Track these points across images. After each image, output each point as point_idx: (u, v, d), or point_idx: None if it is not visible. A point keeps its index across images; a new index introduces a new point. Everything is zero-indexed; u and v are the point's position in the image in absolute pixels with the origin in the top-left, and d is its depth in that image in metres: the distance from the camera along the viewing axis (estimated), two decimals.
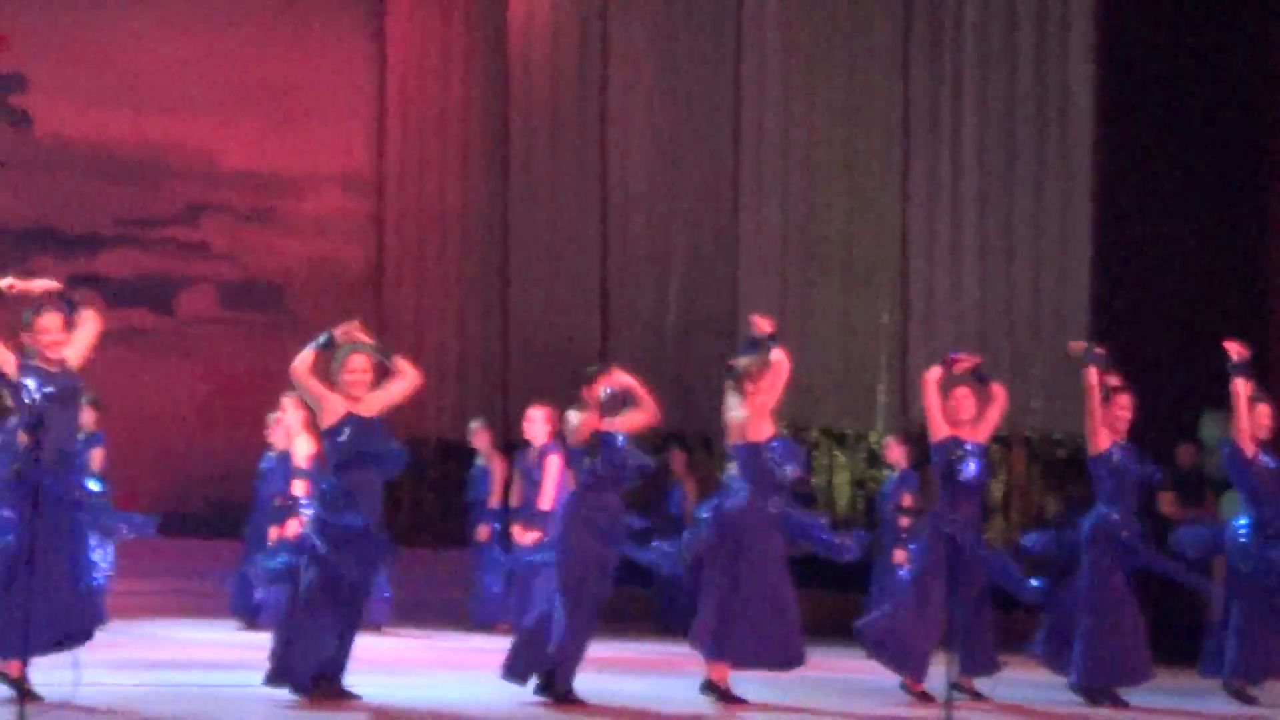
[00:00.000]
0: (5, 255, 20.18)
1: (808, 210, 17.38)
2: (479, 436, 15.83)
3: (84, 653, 9.43)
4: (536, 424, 13.41)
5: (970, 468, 10.70)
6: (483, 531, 15.35)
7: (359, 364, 9.78)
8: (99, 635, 9.82)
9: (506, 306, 20.53)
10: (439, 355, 20.35)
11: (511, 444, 15.89)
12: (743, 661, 10.16)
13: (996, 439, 15.14)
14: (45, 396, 9.43)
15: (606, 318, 19.27)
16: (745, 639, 10.03)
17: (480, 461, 15.83)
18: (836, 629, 12.60)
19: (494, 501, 15.41)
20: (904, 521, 13.65)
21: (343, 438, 9.69)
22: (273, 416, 15.24)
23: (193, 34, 21.24)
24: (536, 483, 13.24)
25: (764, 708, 10.09)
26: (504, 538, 14.83)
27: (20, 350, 9.66)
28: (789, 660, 10.23)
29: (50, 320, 9.73)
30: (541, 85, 20.06)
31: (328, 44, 21.87)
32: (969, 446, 10.73)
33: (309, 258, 21.80)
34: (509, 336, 20.38)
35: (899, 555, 13.07)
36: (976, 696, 10.63)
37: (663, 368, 17.40)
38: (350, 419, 9.66)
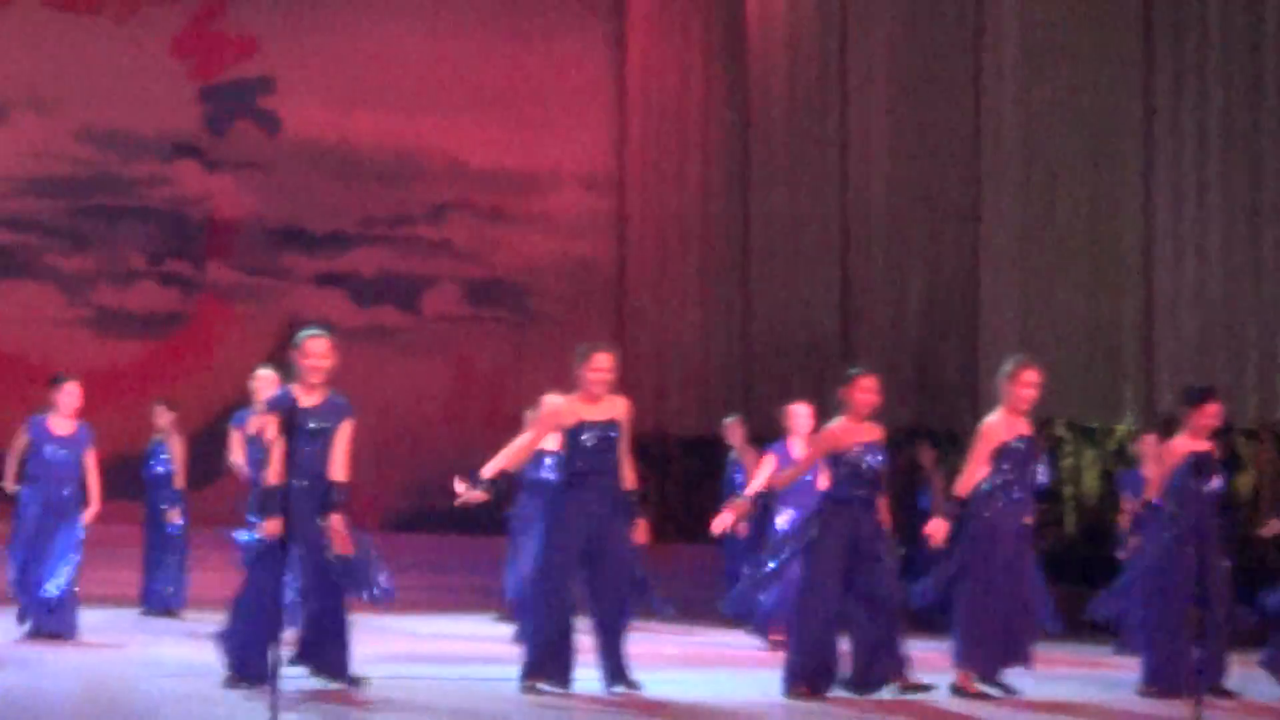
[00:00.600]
0: (256, 254, 21.07)
1: (1049, 206, 17.04)
2: (733, 431, 15.84)
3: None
4: (800, 419, 13.34)
5: (1216, 481, 10.43)
6: (739, 526, 15.35)
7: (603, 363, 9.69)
8: (363, 632, 9.90)
9: (748, 303, 20.43)
10: (681, 351, 20.50)
11: (757, 438, 15.97)
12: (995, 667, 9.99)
13: (1245, 433, 14.87)
14: None
15: (847, 314, 19.09)
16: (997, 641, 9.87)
17: (734, 455, 15.86)
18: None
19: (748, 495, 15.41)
20: (1123, 520, 13.48)
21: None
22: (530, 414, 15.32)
23: (438, 38, 21.53)
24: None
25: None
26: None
27: None
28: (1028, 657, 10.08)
29: None
30: (780, 83, 19.98)
31: (570, 45, 22.03)
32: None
33: (552, 255, 21.96)
34: (750, 333, 20.28)
35: (1128, 548, 12.86)
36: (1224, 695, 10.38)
37: (904, 363, 17.33)
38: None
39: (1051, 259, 17.27)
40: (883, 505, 9.84)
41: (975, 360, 16.60)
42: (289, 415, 8.54)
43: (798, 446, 12.72)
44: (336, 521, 8.99)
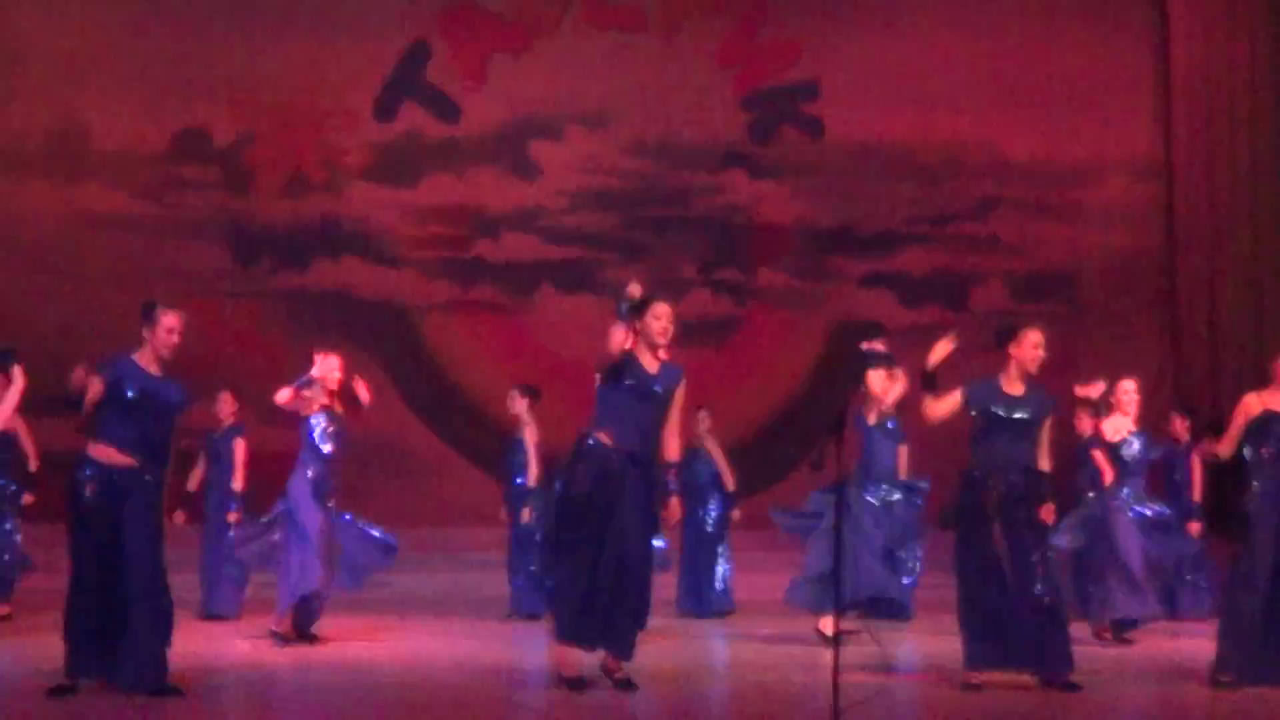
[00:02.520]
0: (803, 258, 21.34)
1: None
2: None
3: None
4: None
5: None
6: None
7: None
8: None
9: None
10: (1237, 339, 20.25)
11: None
12: None
13: None
14: None
15: None
16: None
17: None
18: None
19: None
20: None
21: None
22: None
23: (976, 35, 21.40)
24: None
25: None
26: None
27: None
28: None
29: None
30: None
31: (1109, 32, 21.58)
32: None
33: (1098, 247, 21.55)
34: None
35: None
36: None
37: None
38: None
39: None
40: None
41: None
42: None
43: None
44: None
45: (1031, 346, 10.57)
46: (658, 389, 10.05)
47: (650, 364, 10.10)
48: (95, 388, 9.69)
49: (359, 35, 20.70)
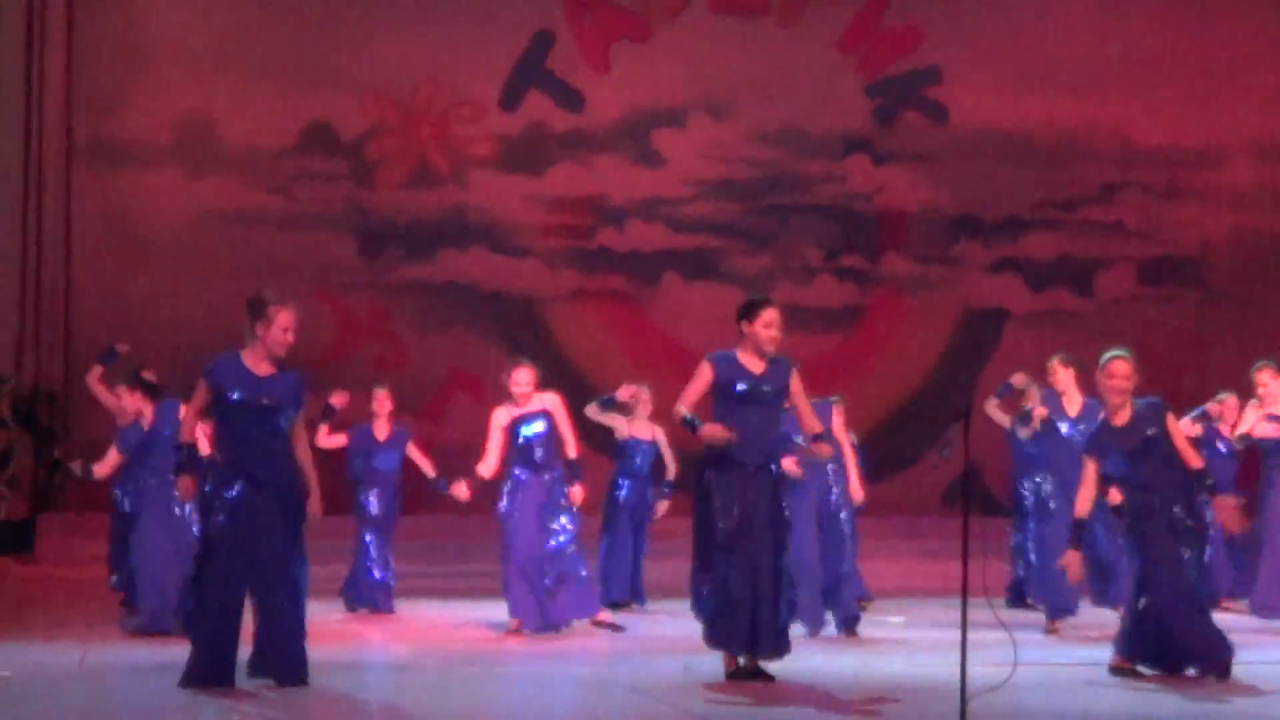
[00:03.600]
0: (929, 245, 21.63)
1: None
2: None
3: None
4: None
5: None
6: None
7: None
8: None
9: None
10: None
11: None
12: None
13: None
14: None
15: None
16: None
17: None
18: None
19: None
20: None
21: None
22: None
23: (1101, 17, 21.64)
24: None
25: None
26: None
27: None
28: None
29: None
30: None
31: (1232, 14, 21.81)
32: None
33: (1227, 230, 21.80)
34: None
35: None
36: None
37: None
38: None
39: None
40: None
41: None
42: None
43: None
44: None
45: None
46: (766, 388, 10.09)
47: (756, 366, 10.12)
48: (200, 396, 9.62)
49: (483, 26, 20.98)
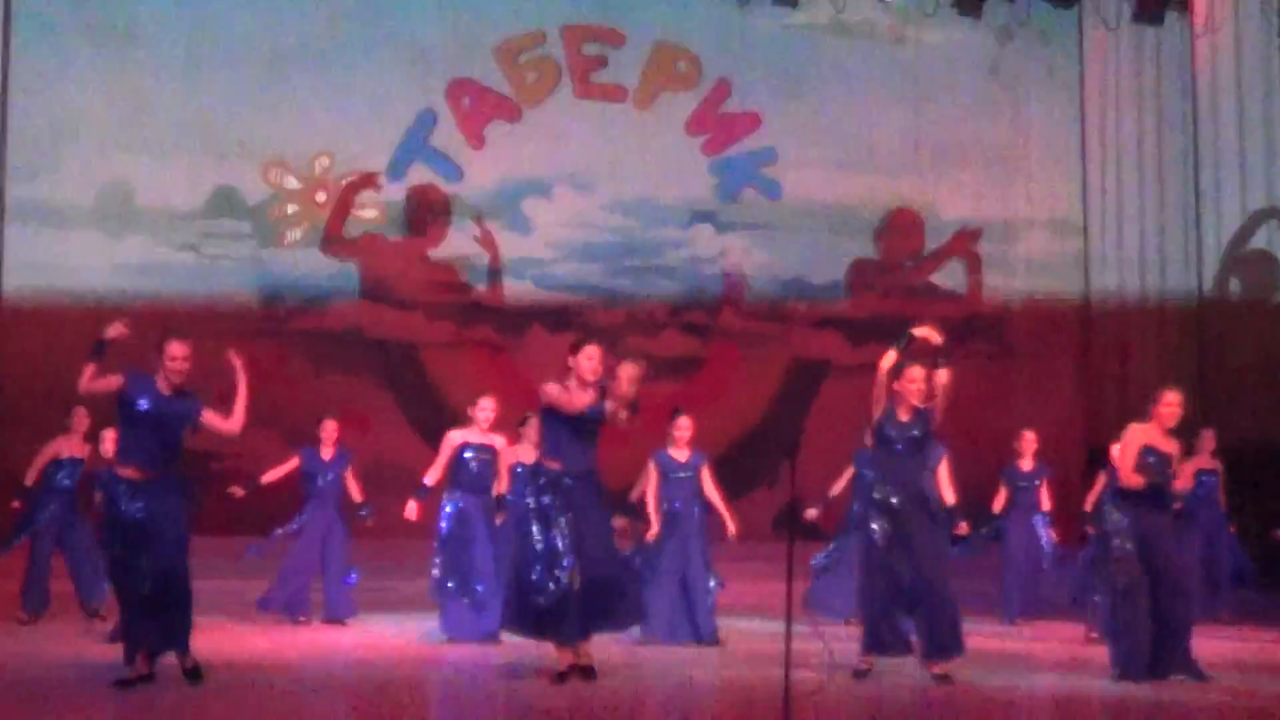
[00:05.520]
0: (768, 302, 22.09)
1: None
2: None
3: None
4: None
5: None
6: None
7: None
8: None
9: (1203, 335, 20.65)
10: (1143, 379, 20.51)
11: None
12: None
13: None
14: None
15: None
16: None
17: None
18: None
19: None
20: None
21: None
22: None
23: (915, 106, 22.34)
24: None
25: None
26: None
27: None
28: None
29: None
30: (1229, 122, 20.20)
31: (1032, 104, 22.53)
32: None
33: (1022, 296, 22.42)
34: (1206, 363, 20.55)
35: None
36: None
37: None
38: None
39: None
40: None
41: None
42: None
43: None
44: None
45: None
46: (588, 419, 10.62)
47: (582, 398, 10.64)
48: (113, 381, 10.24)
49: (374, 105, 21.07)
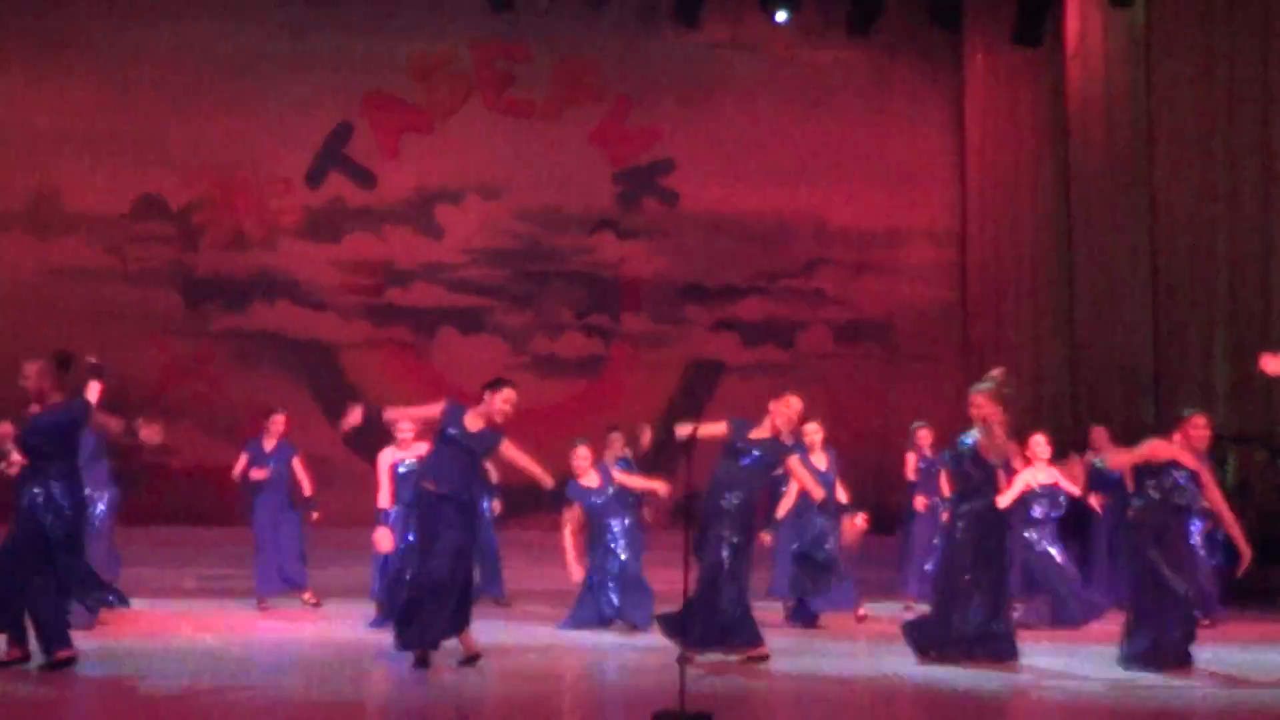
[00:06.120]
0: (661, 307, 22.62)
1: None
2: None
3: None
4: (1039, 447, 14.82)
5: None
6: None
7: None
8: None
9: (1073, 336, 20.97)
10: (1018, 379, 19.36)
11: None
12: None
13: None
14: None
15: (1158, 342, 19.19)
16: None
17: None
18: None
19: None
20: None
21: None
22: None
23: (804, 119, 22.73)
24: None
25: None
26: None
27: None
28: None
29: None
30: (1097, 147, 20.45)
31: (915, 119, 22.96)
32: None
33: (906, 301, 22.86)
34: (1076, 362, 20.91)
35: None
36: None
37: (1215, 383, 18.10)
38: None
39: None
40: None
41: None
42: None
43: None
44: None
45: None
46: (473, 444, 10.84)
47: (474, 424, 10.80)
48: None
49: (292, 115, 21.73)
